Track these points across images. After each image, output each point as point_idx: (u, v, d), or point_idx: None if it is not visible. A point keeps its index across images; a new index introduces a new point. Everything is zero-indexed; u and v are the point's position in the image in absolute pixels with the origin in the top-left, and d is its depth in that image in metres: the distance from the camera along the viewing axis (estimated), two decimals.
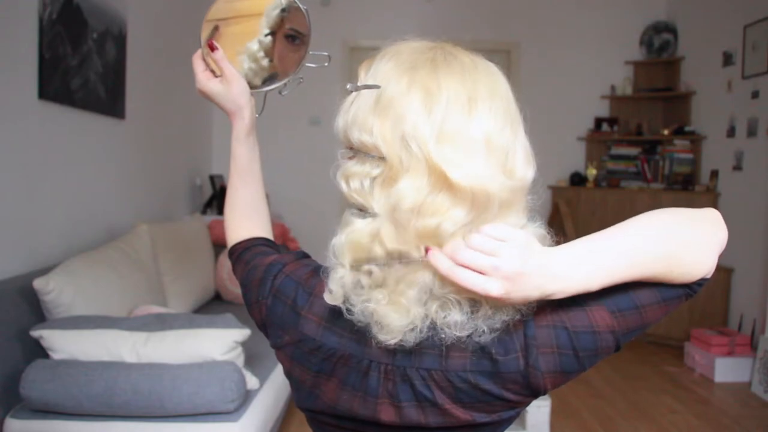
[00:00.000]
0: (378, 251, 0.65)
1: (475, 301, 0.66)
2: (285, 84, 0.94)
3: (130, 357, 1.85)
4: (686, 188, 4.48)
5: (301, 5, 0.91)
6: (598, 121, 5.01)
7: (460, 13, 4.97)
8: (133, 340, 1.87)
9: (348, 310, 0.67)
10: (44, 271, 2.10)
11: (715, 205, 4.28)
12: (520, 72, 5.08)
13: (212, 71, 0.92)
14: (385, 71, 0.69)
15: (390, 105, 0.66)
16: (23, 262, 2.28)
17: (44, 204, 2.45)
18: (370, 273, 0.66)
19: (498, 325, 0.65)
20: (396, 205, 0.64)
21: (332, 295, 0.68)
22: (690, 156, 4.59)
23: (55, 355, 1.85)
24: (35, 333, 1.87)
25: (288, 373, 0.78)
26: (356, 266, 0.66)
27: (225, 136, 4.78)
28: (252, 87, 0.93)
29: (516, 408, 0.70)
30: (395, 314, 0.64)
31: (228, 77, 0.91)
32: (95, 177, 2.89)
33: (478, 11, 4.99)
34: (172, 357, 1.85)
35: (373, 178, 0.67)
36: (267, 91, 0.95)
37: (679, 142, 4.61)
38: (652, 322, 0.68)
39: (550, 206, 5.05)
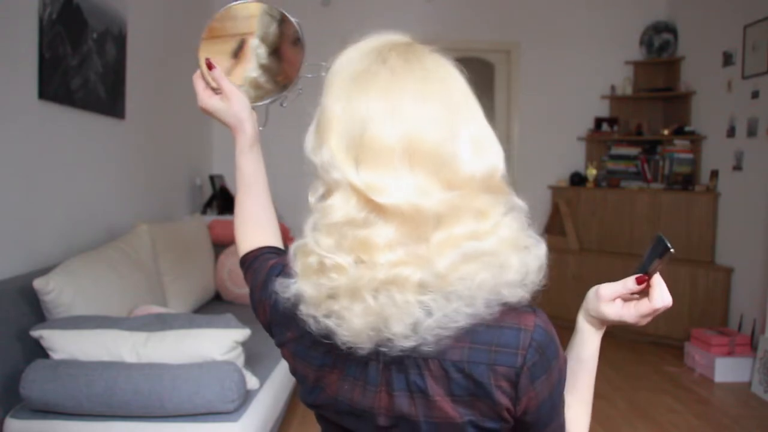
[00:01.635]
0: (313, 260, 0.67)
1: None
2: (285, 96, 0.96)
3: (130, 357, 1.85)
4: (686, 188, 4.48)
5: (292, 18, 0.92)
6: (598, 121, 5.01)
7: (460, 13, 4.97)
8: (133, 340, 1.87)
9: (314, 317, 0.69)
10: (44, 271, 2.10)
11: (715, 205, 4.28)
12: (520, 72, 5.08)
13: (212, 89, 0.95)
14: (326, 92, 0.70)
15: (321, 128, 0.69)
16: (23, 262, 2.28)
17: (44, 204, 2.45)
18: (319, 285, 0.67)
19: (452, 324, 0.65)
20: (326, 217, 0.66)
21: (290, 302, 0.71)
22: (690, 156, 4.59)
23: (55, 355, 1.85)
24: (35, 333, 1.87)
25: (293, 370, 0.79)
26: (305, 276, 0.69)
27: (225, 136, 4.77)
28: (252, 101, 0.96)
29: (500, 420, 0.69)
30: (349, 329, 0.66)
31: (227, 93, 0.93)
32: (95, 177, 2.89)
33: (478, 11, 4.99)
34: (172, 357, 1.85)
35: (321, 194, 0.69)
36: (267, 105, 0.97)
37: (679, 142, 4.61)
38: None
39: (550, 206, 5.05)
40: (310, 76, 0.95)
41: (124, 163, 3.21)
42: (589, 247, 4.82)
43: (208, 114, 0.96)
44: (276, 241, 0.96)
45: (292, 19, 0.93)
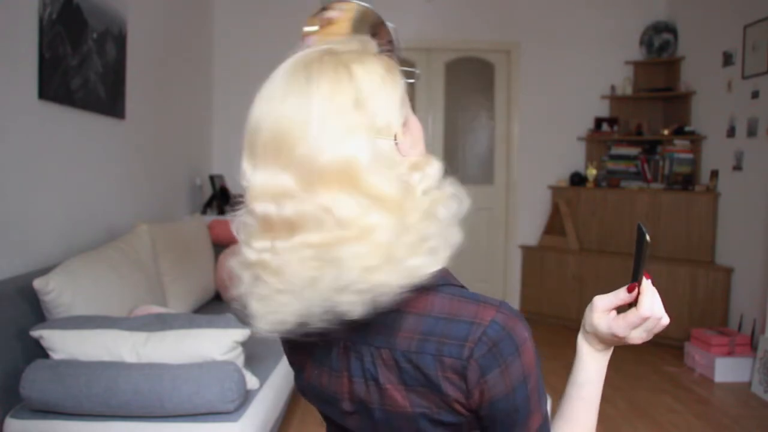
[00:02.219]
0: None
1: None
2: None
3: (130, 357, 1.85)
4: (686, 188, 4.48)
5: (388, 23, 0.91)
6: (598, 121, 5.01)
7: (460, 13, 4.97)
8: (133, 340, 1.87)
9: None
10: (44, 271, 2.10)
11: (715, 205, 4.28)
12: (520, 72, 5.08)
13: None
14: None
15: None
16: (23, 262, 2.28)
17: (44, 204, 2.45)
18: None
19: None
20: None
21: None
22: (690, 156, 4.59)
23: (55, 355, 1.85)
24: (35, 333, 1.87)
25: (288, 360, 0.85)
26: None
27: (225, 135, 4.79)
28: None
29: (454, 413, 0.69)
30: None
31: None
32: (95, 177, 2.89)
33: (478, 11, 4.99)
34: (172, 357, 1.85)
35: None
36: None
37: (679, 142, 4.61)
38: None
39: (550, 206, 5.05)
40: (410, 81, 0.94)
41: (124, 163, 3.21)
42: (589, 247, 4.82)
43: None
44: None
45: (389, 25, 0.92)
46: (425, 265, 0.66)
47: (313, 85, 0.65)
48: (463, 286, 0.75)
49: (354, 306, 0.64)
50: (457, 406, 0.69)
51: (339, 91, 0.65)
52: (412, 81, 0.88)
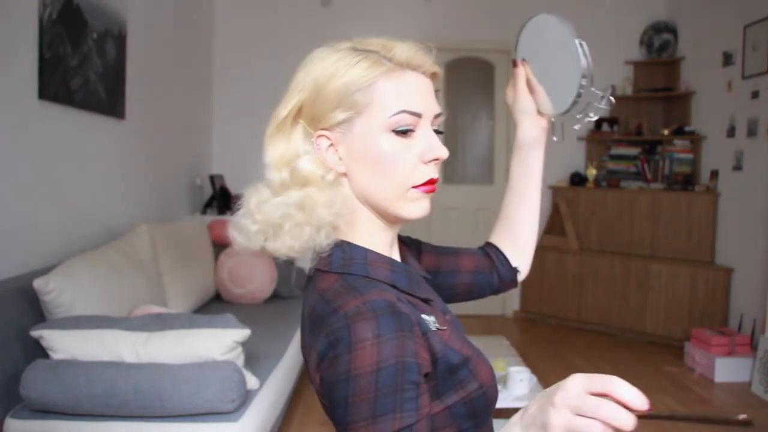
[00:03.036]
0: None
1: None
2: (576, 118, 0.97)
3: (130, 357, 1.85)
4: (686, 188, 4.48)
5: (576, 41, 0.93)
6: (598, 121, 5.01)
7: (460, 13, 4.97)
8: (133, 340, 1.87)
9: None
10: (44, 271, 2.10)
11: (715, 205, 4.28)
12: None
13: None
14: None
15: None
16: (23, 262, 2.28)
17: (44, 204, 2.45)
18: None
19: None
20: None
21: None
22: (690, 156, 4.59)
23: (55, 355, 1.85)
24: (35, 333, 1.87)
25: None
26: None
27: (225, 136, 4.79)
28: (549, 110, 0.98)
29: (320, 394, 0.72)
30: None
31: (516, 93, 0.99)
32: (95, 177, 2.89)
33: (478, 11, 4.99)
34: (172, 357, 1.85)
35: None
36: (558, 116, 1.00)
37: (679, 142, 4.61)
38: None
39: (550, 206, 5.05)
40: (602, 106, 0.94)
41: (124, 163, 3.21)
42: (589, 247, 4.82)
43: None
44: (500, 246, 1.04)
45: (577, 41, 0.93)
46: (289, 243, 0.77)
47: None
48: (395, 285, 0.76)
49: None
50: (312, 383, 0.72)
51: (299, 70, 0.78)
52: (604, 107, 0.93)
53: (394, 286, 0.75)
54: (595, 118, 0.96)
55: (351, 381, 0.64)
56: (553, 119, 1.00)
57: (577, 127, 0.97)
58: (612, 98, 0.94)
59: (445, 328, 0.76)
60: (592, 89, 0.92)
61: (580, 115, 0.96)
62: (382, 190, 0.75)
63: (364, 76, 0.72)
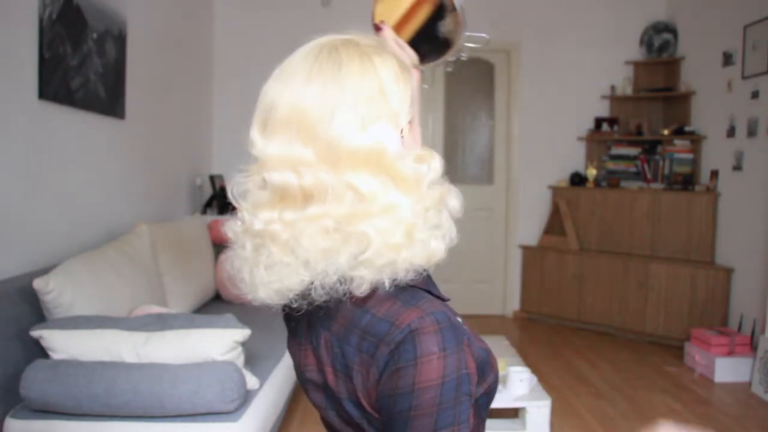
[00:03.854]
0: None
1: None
2: (448, 62, 1.02)
3: (130, 357, 1.85)
4: (686, 188, 4.48)
5: None
6: (598, 121, 5.01)
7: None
8: (133, 340, 1.87)
9: None
10: (44, 271, 2.10)
11: (715, 205, 4.28)
12: (520, 72, 5.08)
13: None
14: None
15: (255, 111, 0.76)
16: (23, 262, 2.28)
17: (44, 204, 2.45)
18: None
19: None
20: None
21: None
22: (690, 156, 4.59)
23: (55, 355, 1.85)
24: (35, 333, 1.87)
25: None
26: None
27: (225, 136, 4.79)
28: (421, 62, 1.00)
29: (358, 406, 0.70)
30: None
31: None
32: (95, 177, 2.89)
33: (477, 11, 4.97)
34: (172, 357, 1.85)
35: None
36: (432, 66, 1.03)
37: (679, 142, 4.61)
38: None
39: (550, 206, 5.05)
40: (473, 45, 0.99)
41: (124, 163, 3.21)
42: (589, 247, 4.82)
43: None
44: None
45: None
46: (440, 249, 0.69)
47: (344, 70, 0.68)
48: (430, 291, 0.74)
49: (363, 281, 0.66)
50: (363, 400, 0.69)
51: (367, 79, 0.69)
52: (478, 46, 0.97)
53: (429, 292, 0.74)
54: (465, 57, 1.03)
55: (415, 394, 0.64)
56: (427, 68, 1.04)
57: (449, 69, 1.03)
58: (485, 35, 1.00)
59: (466, 326, 0.77)
60: (466, 33, 0.98)
61: (453, 58, 1.02)
62: None
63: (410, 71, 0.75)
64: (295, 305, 0.70)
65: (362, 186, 0.66)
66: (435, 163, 0.71)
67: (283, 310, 0.81)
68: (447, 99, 5.19)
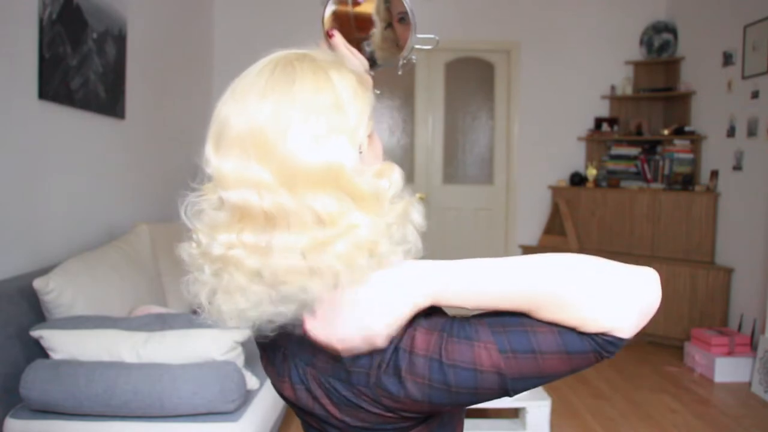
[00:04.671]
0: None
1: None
2: (398, 64, 1.03)
3: (130, 357, 1.85)
4: (686, 188, 4.48)
5: None
6: (598, 121, 5.01)
7: (460, 13, 4.97)
8: (133, 340, 1.87)
9: None
10: (44, 271, 2.10)
11: (715, 205, 4.28)
12: (521, 72, 5.08)
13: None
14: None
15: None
16: (23, 262, 2.28)
17: (44, 204, 2.45)
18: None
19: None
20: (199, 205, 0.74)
21: None
22: (690, 156, 4.59)
23: (55, 355, 1.85)
24: (35, 333, 1.87)
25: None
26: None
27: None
28: (371, 66, 1.01)
29: (392, 422, 0.69)
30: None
31: (341, 58, 0.98)
32: (95, 177, 2.89)
33: (478, 11, 4.99)
34: (172, 357, 1.85)
35: None
36: (381, 69, 1.04)
37: (679, 142, 4.61)
38: (552, 374, 0.63)
39: (550, 206, 5.05)
40: (426, 48, 1.01)
41: (124, 163, 3.21)
42: (589, 247, 4.82)
43: None
44: None
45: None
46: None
47: (297, 85, 0.66)
48: None
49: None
50: (390, 419, 0.68)
51: (322, 93, 0.66)
52: (429, 48, 0.98)
53: None
54: (415, 60, 1.04)
55: (436, 357, 0.64)
56: (376, 69, 1.06)
57: (400, 72, 1.05)
58: (434, 36, 1.02)
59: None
60: (415, 36, 1.00)
61: (404, 60, 1.02)
62: None
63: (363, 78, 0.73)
64: (257, 333, 0.68)
65: (321, 209, 0.63)
66: (395, 177, 0.68)
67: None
68: (447, 99, 5.19)
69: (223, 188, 0.66)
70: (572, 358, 0.62)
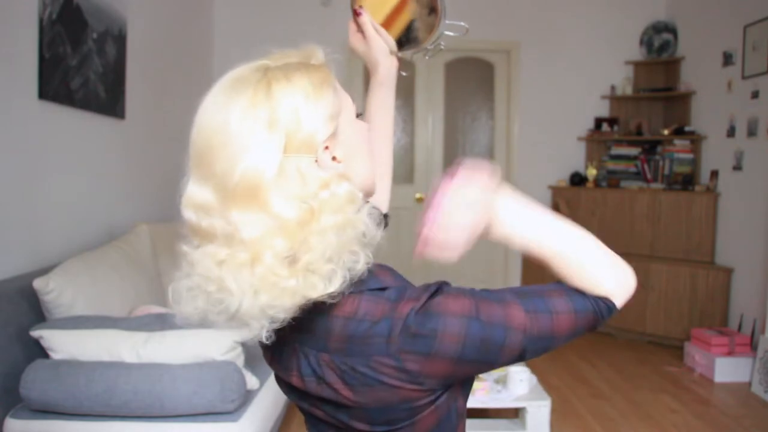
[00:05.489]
0: None
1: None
2: (426, 50, 1.07)
3: (130, 357, 1.85)
4: (686, 188, 4.48)
5: None
6: (598, 121, 5.01)
7: (460, 13, 4.95)
8: (133, 340, 1.87)
9: None
10: (44, 271, 2.10)
11: (715, 205, 4.28)
12: (520, 72, 5.08)
13: (362, 32, 1.05)
14: None
15: None
16: (23, 262, 2.28)
17: (44, 204, 2.45)
18: None
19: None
20: None
21: None
22: (690, 156, 4.59)
23: (55, 355, 1.85)
24: (35, 333, 1.87)
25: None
26: None
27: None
28: (399, 49, 1.05)
29: (408, 399, 0.71)
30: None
31: (368, 39, 1.04)
32: (95, 177, 2.89)
33: (478, 11, 4.99)
34: (172, 357, 1.85)
35: None
36: (411, 54, 1.08)
37: (679, 142, 4.61)
38: (561, 335, 0.72)
39: (550, 206, 5.05)
40: (452, 34, 1.05)
41: (124, 163, 3.21)
42: None
43: (354, 53, 1.07)
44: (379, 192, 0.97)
45: None
46: (316, 288, 0.66)
47: (232, 103, 0.68)
48: (402, 283, 0.76)
49: (253, 323, 0.68)
50: (413, 392, 0.70)
51: (253, 111, 0.67)
52: (458, 34, 1.05)
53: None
54: (444, 46, 1.09)
55: (470, 319, 0.69)
56: (408, 55, 1.07)
57: (428, 57, 1.08)
58: (463, 24, 1.06)
59: None
60: (446, 21, 1.03)
61: (431, 46, 1.06)
62: (371, 171, 0.78)
63: (332, 81, 0.73)
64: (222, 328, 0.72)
65: (242, 228, 0.65)
66: (339, 189, 0.69)
67: None
68: (447, 99, 5.19)
69: (183, 205, 0.71)
70: (578, 317, 0.73)
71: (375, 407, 0.71)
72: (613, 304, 0.74)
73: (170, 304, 0.72)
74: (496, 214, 0.76)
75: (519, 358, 0.71)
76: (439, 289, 0.72)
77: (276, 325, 0.68)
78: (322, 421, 0.79)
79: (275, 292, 0.65)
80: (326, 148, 0.70)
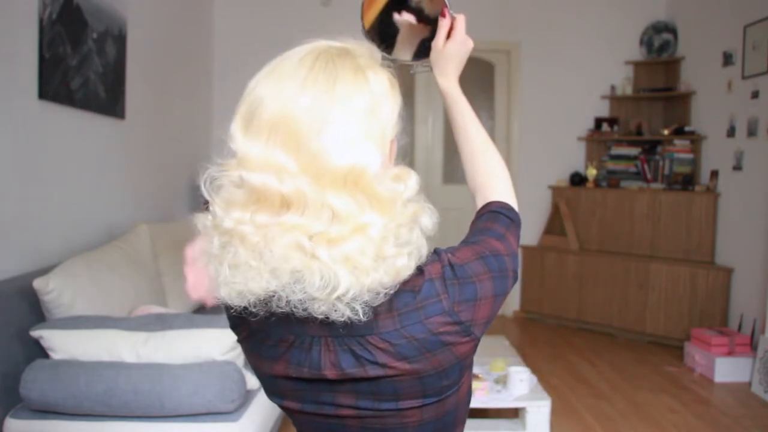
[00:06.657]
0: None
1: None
2: (413, 65, 1.04)
3: (130, 357, 1.85)
4: (686, 188, 4.48)
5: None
6: (598, 121, 5.01)
7: (459, 13, 4.97)
8: (133, 340, 1.87)
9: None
10: (44, 271, 2.10)
11: (715, 205, 4.28)
12: (520, 72, 5.08)
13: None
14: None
15: (238, 105, 0.76)
16: (23, 262, 2.28)
17: (44, 204, 2.45)
18: None
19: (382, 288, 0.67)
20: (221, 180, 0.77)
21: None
22: (690, 156, 4.59)
23: (55, 355, 1.85)
24: (35, 333, 1.87)
25: (252, 367, 0.85)
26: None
27: (225, 135, 4.78)
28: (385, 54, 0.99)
29: (462, 356, 0.74)
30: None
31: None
32: (95, 177, 2.89)
33: (477, 11, 4.98)
34: (172, 357, 1.85)
35: None
36: (396, 62, 1.02)
37: (679, 142, 4.61)
38: (512, 249, 0.80)
39: (550, 206, 5.05)
40: (422, 71, 1.04)
41: (124, 163, 3.21)
42: (589, 247, 4.82)
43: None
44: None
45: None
46: (407, 267, 0.69)
47: (339, 85, 0.68)
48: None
49: (339, 310, 0.66)
50: (465, 346, 0.73)
51: (361, 96, 0.68)
52: (424, 71, 1.04)
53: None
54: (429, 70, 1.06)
55: (499, 251, 0.78)
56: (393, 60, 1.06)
57: (412, 72, 1.08)
58: (429, 67, 1.04)
59: None
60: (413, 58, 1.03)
61: (414, 70, 1.06)
62: None
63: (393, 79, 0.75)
64: (254, 310, 0.69)
65: (340, 207, 0.65)
66: (411, 182, 0.71)
67: (240, 315, 0.76)
68: None
69: (246, 169, 0.67)
70: (510, 229, 0.83)
71: (433, 374, 0.73)
72: (516, 214, 0.86)
73: (215, 287, 0.70)
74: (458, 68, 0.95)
75: (514, 279, 0.79)
76: (437, 251, 0.75)
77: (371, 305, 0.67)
78: (346, 425, 0.77)
79: (389, 269, 0.67)
80: (392, 142, 0.73)
